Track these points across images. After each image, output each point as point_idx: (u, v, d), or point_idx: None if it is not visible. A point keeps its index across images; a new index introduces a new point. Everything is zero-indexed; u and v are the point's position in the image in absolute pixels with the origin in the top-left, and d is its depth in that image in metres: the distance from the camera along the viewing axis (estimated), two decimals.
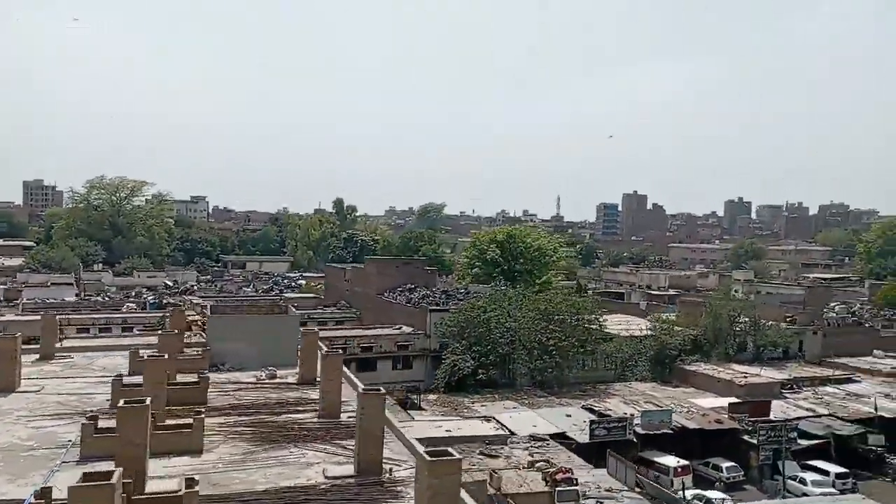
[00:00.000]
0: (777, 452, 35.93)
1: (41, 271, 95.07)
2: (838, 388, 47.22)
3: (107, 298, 66.29)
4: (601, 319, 47.28)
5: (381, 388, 43.59)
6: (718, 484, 35.18)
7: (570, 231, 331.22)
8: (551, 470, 24.44)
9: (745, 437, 36.75)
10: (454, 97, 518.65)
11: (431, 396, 41.22)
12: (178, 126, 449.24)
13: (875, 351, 59.19)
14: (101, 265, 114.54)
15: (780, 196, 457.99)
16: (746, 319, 54.28)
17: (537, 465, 25.16)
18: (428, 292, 54.93)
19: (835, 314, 69.47)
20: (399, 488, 16.42)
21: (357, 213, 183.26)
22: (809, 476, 34.71)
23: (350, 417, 22.92)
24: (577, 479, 24.78)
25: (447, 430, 29.94)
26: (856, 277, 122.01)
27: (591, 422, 34.33)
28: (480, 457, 27.48)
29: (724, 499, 31.69)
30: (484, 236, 72.34)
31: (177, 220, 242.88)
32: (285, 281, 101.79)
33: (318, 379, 24.50)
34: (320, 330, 41.59)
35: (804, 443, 37.35)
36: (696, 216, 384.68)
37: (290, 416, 22.11)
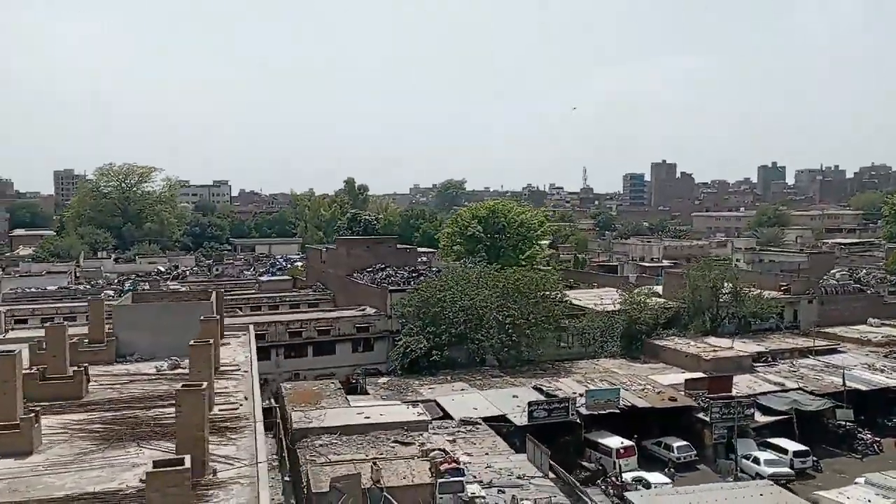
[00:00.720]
0: (734, 430, 34.20)
1: (49, 260, 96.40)
2: (819, 360, 44.91)
3: (89, 286, 66.50)
4: (562, 295, 45.63)
5: (337, 371, 43.23)
6: (670, 464, 33.63)
7: (597, 203, 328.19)
8: (438, 459, 23.21)
9: (701, 416, 34.99)
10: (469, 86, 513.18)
11: (383, 379, 40.21)
12: (213, 115, 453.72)
13: (870, 319, 56.37)
14: (111, 252, 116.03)
15: (821, 160, 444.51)
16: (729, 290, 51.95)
17: (431, 454, 23.95)
18: (396, 271, 53.74)
19: (835, 281, 66.40)
20: (212, 492, 15.39)
21: (369, 193, 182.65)
22: (763, 455, 32.90)
23: (224, 410, 21.99)
24: (465, 469, 23.53)
25: (366, 417, 28.86)
26: (878, 241, 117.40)
27: (530, 403, 32.90)
28: (393, 444, 26.38)
29: (665, 482, 30.18)
30: (466, 212, 70.65)
31: (197, 205, 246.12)
32: (286, 263, 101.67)
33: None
34: (284, 313, 40.81)
35: (762, 419, 35.46)
36: (729, 183, 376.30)
37: (160, 410, 21.22)
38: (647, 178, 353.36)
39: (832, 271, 69.67)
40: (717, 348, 44.18)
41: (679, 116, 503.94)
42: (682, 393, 36.59)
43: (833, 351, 47.32)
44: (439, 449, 24.67)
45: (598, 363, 44.58)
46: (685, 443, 34.18)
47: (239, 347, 31.25)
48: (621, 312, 47.23)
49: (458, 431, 29.50)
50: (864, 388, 39.73)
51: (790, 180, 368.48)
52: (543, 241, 70.67)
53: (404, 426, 27.98)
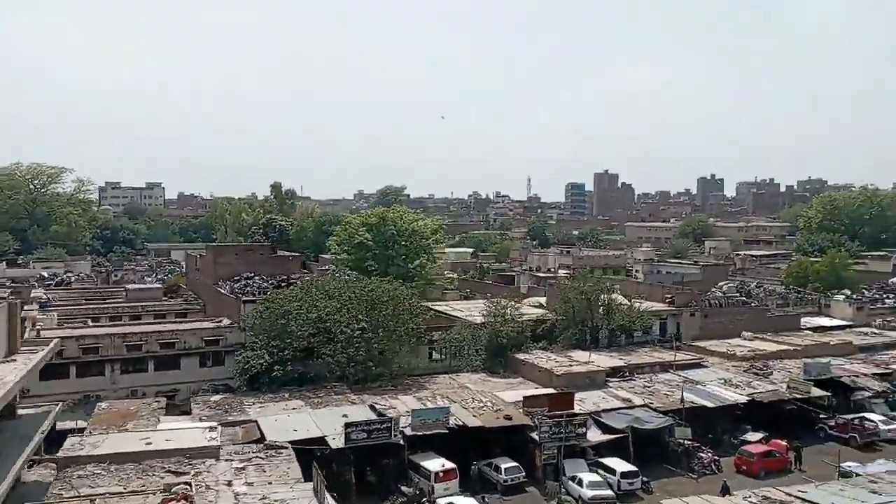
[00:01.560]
0: (567, 450, 33.10)
1: None
2: (678, 375, 44.38)
3: None
4: (422, 307, 44.18)
5: (182, 388, 40.70)
6: (498, 486, 32.30)
7: (539, 211, 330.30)
8: (171, 494, 21.26)
9: (534, 435, 33.78)
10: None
11: (216, 397, 37.89)
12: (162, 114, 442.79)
13: (744, 332, 56.48)
14: (15, 256, 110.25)
15: (768, 173, 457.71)
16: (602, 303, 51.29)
17: (175, 488, 21.97)
18: (265, 280, 51.49)
19: (721, 293, 66.73)
20: None
21: (297, 197, 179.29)
22: (587, 476, 31.84)
23: None
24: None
25: (148, 444, 26.63)
26: (791, 253, 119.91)
27: (347, 424, 31.10)
28: (163, 475, 24.22)
29: None
30: (355, 219, 68.72)
31: (126, 208, 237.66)
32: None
33: None
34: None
35: (598, 437, 34.46)
36: (671, 194, 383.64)
37: None
38: (591, 188, 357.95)
39: (719, 283, 70.16)
40: (575, 363, 43.22)
41: (628, 128, 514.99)
42: (521, 410, 35.34)
43: (697, 365, 47.00)
44: (184, 483, 22.63)
45: (457, 378, 43.15)
46: (514, 464, 32.90)
47: (22, 365, 28.60)
48: (485, 325, 45.96)
49: (256, 457, 27.48)
50: (710, 404, 39.23)
51: (731, 192, 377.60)
52: (438, 250, 69.11)
53: (187, 453, 25.83)
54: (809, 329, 63.33)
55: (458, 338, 46.27)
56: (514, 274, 74.80)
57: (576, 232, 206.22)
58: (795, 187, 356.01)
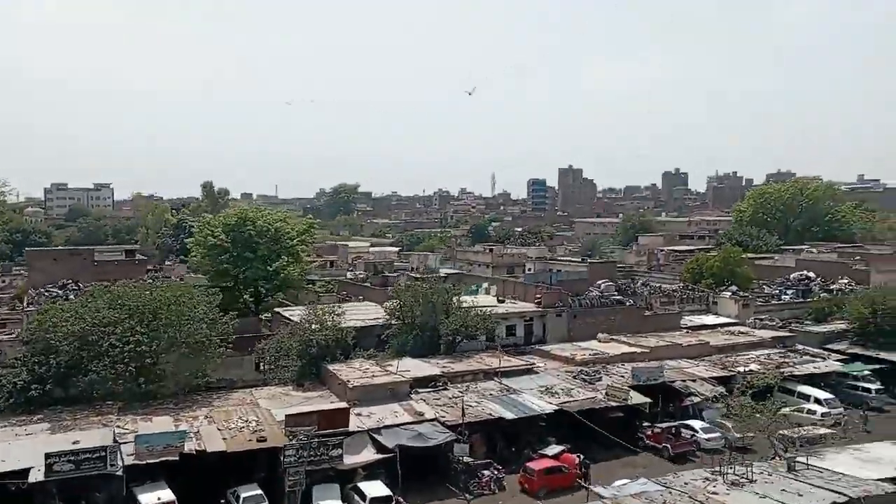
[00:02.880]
0: (317, 474, 30.07)
1: None
2: (500, 383, 41.59)
3: None
4: (221, 315, 40.93)
5: None
6: None
7: (502, 207, 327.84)
8: None
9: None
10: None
11: None
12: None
13: (600, 334, 53.95)
14: None
15: (739, 167, 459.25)
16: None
17: None
18: (80, 287, 47.89)
19: (599, 292, 64.16)
20: None
21: (230, 197, 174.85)
22: None
23: None
24: None
25: None
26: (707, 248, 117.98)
27: (47, 455, 27.71)
28: None
29: None
30: (213, 219, 65.08)
31: (70, 209, 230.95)
32: None
33: None
34: None
35: (359, 459, 31.46)
36: (637, 188, 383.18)
37: None
38: (553, 183, 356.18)
39: (598, 282, 67.65)
40: (383, 373, 40.18)
41: (603, 125, 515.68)
42: (283, 430, 32.20)
43: (527, 371, 44.18)
44: None
45: (257, 392, 39.94)
46: (256, 492, 29.73)
47: None
48: (293, 333, 42.78)
49: None
50: (511, 415, 36.46)
51: (700, 186, 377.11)
52: (305, 252, 65.58)
53: None
54: (689, 328, 61.24)
55: (274, 347, 43.09)
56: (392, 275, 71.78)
57: (518, 229, 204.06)
58: (765, 181, 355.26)
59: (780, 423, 32.45)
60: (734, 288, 70.15)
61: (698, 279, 75.40)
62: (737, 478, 27.35)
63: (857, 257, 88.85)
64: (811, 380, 49.30)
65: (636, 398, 39.94)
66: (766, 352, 52.59)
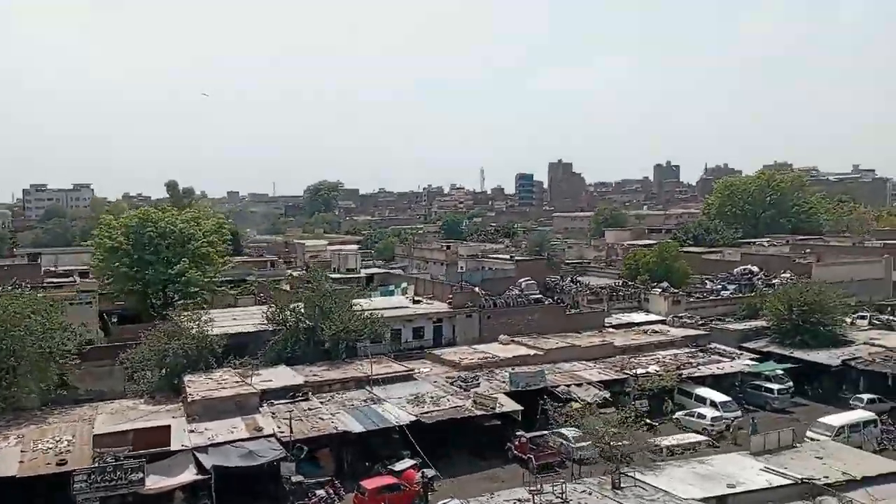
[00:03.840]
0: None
1: None
2: (368, 392, 39.45)
3: None
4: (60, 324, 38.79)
5: None
6: None
7: (490, 203, 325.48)
8: None
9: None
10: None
11: None
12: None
13: (501, 336, 51.80)
14: None
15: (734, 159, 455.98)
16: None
17: None
18: None
19: (519, 290, 61.99)
20: None
21: (196, 196, 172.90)
22: None
23: None
24: None
25: None
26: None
27: None
28: None
29: None
30: (113, 221, 62.86)
31: (48, 210, 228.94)
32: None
33: None
34: None
35: (161, 484, 29.25)
36: (628, 182, 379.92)
37: None
38: (541, 178, 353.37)
39: (520, 280, 65.48)
40: (239, 384, 38.06)
41: (591, 116, 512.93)
42: (94, 451, 30.06)
43: (406, 378, 42.01)
44: None
45: (102, 407, 37.78)
46: None
47: None
48: (145, 342, 40.56)
49: None
50: (360, 428, 34.30)
51: (693, 179, 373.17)
52: (219, 253, 63.30)
53: None
54: (613, 327, 59.17)
55: (137, 357, 40.94)
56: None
57: (493, 224, 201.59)
58: (762, 171, 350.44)
59: (622, 433, 30.12)
60: (664, 284, 67.99)
61: (635, 275, 73.39)
62: (553, 498, 25.23)
63: (808, 250, 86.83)
64: (718, 381, 47.31)
65: (508, 405, 37.80)
66: (676, 351, 50.48)
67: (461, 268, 76.27)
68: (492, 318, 56.31)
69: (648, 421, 41.57)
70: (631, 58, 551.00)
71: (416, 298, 60.05)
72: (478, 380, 41.21)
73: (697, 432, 40.51)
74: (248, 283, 72.46)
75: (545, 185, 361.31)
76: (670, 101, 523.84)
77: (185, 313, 43.49)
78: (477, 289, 62.14)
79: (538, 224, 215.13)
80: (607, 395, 41.23)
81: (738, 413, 42.94)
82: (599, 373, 44.28)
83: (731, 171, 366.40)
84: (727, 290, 71.32)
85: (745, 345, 53.59)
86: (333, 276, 67.04)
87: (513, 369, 44.16)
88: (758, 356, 51.48)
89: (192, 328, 41.30)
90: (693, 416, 41.73)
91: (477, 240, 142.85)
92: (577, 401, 39.84)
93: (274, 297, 46.59)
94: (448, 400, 38.10)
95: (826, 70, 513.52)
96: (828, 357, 48.19)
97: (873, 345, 49.67)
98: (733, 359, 49.43)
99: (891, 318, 57.81)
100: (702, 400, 43.76)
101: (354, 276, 66.75)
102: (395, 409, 36.39)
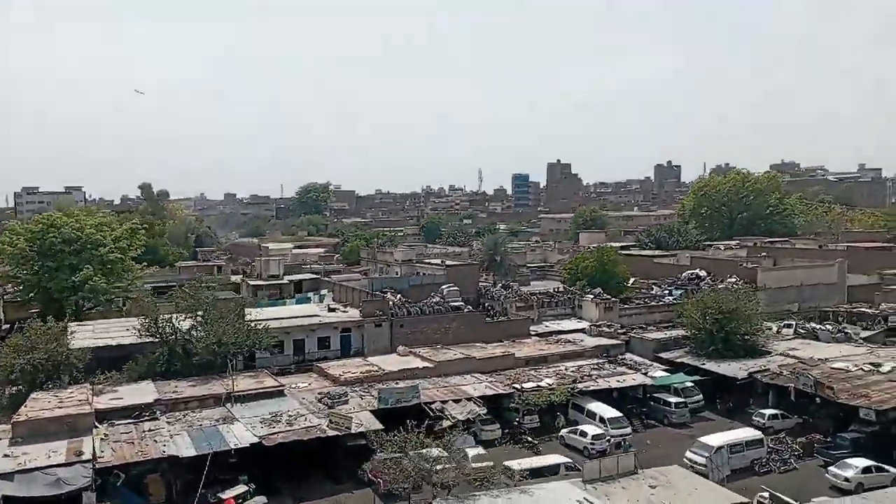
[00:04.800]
0: None
1: None
2: (229, 410, 37.30)
3: None
4: None
5: None
6: None
7: (487, 204, 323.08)
8: None
9: None
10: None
11: None
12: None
13: (400, 347, 49.58)
14: None
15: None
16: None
17: None
18: None
19: (441, 297, 59.68)
20: None
21: (168, 199, 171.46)
22: None
23: None
24: None
25: None
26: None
27: None
28: None
29: None
30: (18, 226, 61.12)
31: (37, 212, 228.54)
32: None
33: None
34: None
35: None
36: (629, 182, 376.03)
37: None
38: (537, 178, 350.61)
39: (442, 286, 63.16)
40: (79, 403, 35.96)
41: (597, 117, 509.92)
42: None
43: (276, 394, 39.80)
44: None
45: None
46: None
47: None
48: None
49: None
50: (192, 452, 32.12)
51: (694, 179, 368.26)
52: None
53: None
54: (538, 335, 56.95)
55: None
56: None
57: (468, 222, 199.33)
58: (769, 171, 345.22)
59: (414, 459, 27.73)
60: (597, 290, 65.57)
61: (574, 281, 71.03)
62: None
63: (764, 253, 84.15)
64: (624, 394, 45.05)
65: (368, 424, 35.57)
66: (583, 363, 48.15)
67: (396, 273, 74.13)
68: (405, 327, 54.23)
69: (529, 439, 39.54)
70: (638, 58, 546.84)
71: (333, 307, 58.03)
72: (347, 396, 38.98)
73: (579, 451, 38.30)
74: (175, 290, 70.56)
75: (543, 186, 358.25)
76: (677, 100, 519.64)
77: (40, 325, 41.38)
78: (399, 296, 60.31)
79: (532, 225, 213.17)
80: (483, 411, 38.98)
81: (628, 430, 40.62)
82: (486, 387, 41.99)
83: (733, 170, 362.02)
84: (672, 295, 68.88)
85: (661, 355, 51.23)
86: (255, 282, 65.24)
87: (396, 383, 42.06)
88: (669, 367, 49.14)
89: (45, 342, 39.18)
90: (576, 433, 39.39)
91: (453, 243, 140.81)
92: (447, 418, 37.63)
93: (145, 308, 44.45)
94: (306, 419, 35.93)
95: (835, 68, 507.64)
96: (736, 369, 45.72)
97: (789, 356, 47.09)
98: (637, 371, 47.00)
99: (819, 326, 55.07)
100: (592, 416, 41.43)
101: (277, 282, 64.72)
102: (241, 431, 34.28)
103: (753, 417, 42.43)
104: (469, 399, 39.76)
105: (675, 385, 46.61)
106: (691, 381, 47.07)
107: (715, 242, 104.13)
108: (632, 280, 76.53)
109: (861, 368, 42.14)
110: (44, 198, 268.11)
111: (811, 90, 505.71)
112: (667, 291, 70.18)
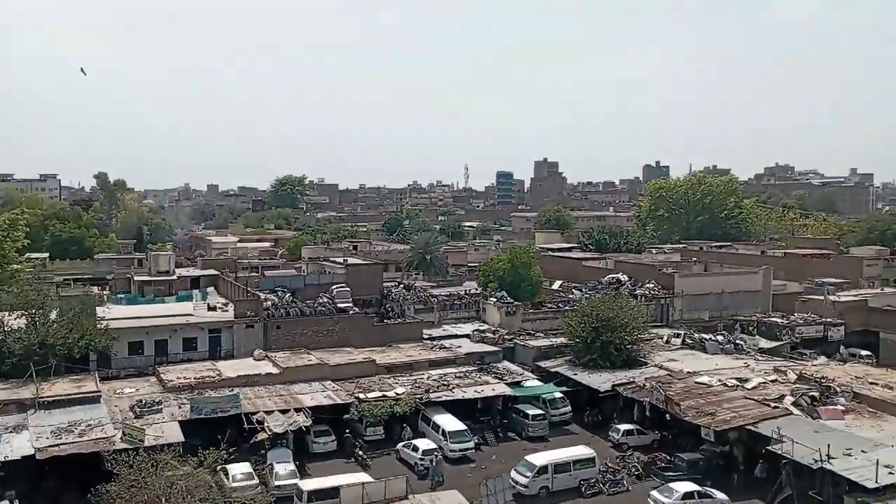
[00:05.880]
0: None
1: None
2: (26, 419, 34.72)
3: None
4: None
5: None
6: None
7: (470, 201, 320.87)
8: None
9: None
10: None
11: None
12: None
13: (257, 351, 46.90)
14: None
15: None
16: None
17: None
18: None
19: (328, 297, 57.13)
20: None
21: (125, 188, 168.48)
22: None
23: None
24: None
25: None
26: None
27: None
28: None
29: None
30: None
31: (4, 201, 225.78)
32: None
33: None
34: None
35: None
36: (625, 181, 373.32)
37: None
38: (521, 176, 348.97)
39: (333, 286, 60.63)
40: None
41: (590, 119, 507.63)
42: None
43: (90, 401, 37.04)
44: None
45: None
46: None
47: None
48: None
49: None
50: None
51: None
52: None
53: None
54: (430, 338, 54.48)
55: None
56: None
57: (443, 219, 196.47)
58: (762, 174, 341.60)
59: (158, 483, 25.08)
60: (501, 294, 63.08)
61: (487, 283, 68.58)
62: None
63: (695, 259, 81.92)
64: (487, 405, 42.75)
65: (169, 437, 33.05)
66: (452, 370, 45.72)
67: (302, 270, 71.49)
68: (282, 329, 51.75)
69: (361, 454, 37.10)
70: (628, 58, 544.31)
71: (214, 305, 55.45)
72: (161, 405, 36.40)
73: (411, 466, 35.88)
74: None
75: (528, 184, 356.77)
76: (668, 101, 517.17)
77: None
78: (289, 295, 57.89)
79: (503, 224, 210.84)
80: (307, 422, 36.47)
81: (470, 444, 38.20)
82: (325, 397, 39.46)
83: (721, 172, 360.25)
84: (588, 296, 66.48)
85: (539, 363, 48.86)
86: (141, 278, 62.65)
87: (231, 390, 39.42)
88: (545, 377, 46.80)
89: None
90: (409, 447, 36.93)
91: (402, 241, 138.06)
92: (265, 430, 35.16)
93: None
94: (102, 430, 33.40)
95: (832, 72, 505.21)
96: (603, 381, 43.30)
97: (663, 368, 44.67)
98: (502, 380, 44.46)
99: (709, 337, 52.70)
100: (437, 428, 38.98)
101: (166, 278, 62.06)
102: (22, 441, 31.75)
103: (609, 433, 40.08)
104: (299, 410, 37.22)
105: (544, 396, 44.28)
106: (560, 392, 44.75)
107: (661, 246, 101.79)
108: (558, 283, 74.41)
109: (725, 384, 39.71)
110: (18, 185, 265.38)
111: (810, 92, 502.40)
112: (587, 296, 67.70)
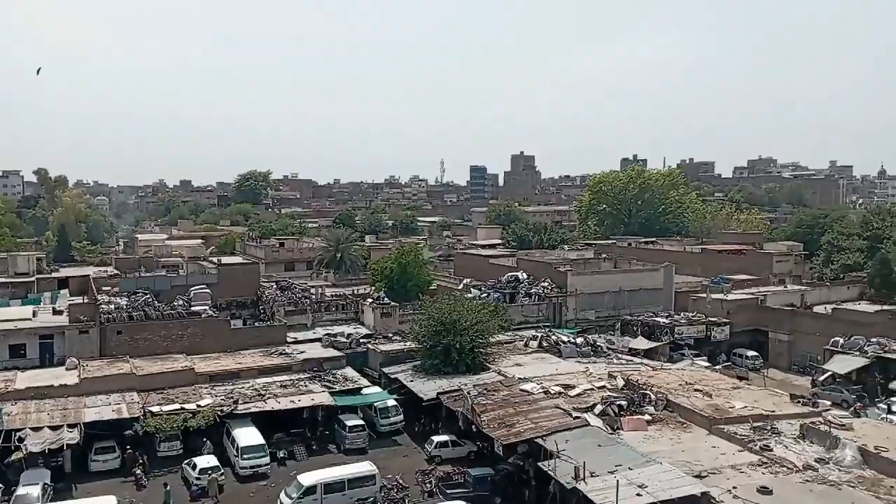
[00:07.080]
0: None
1: None
2: None
3: None
4: None
5: None
6: None
7: (444, 196, 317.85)
8: None
9: None
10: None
11: None
12: None
13: (68, 360, 43.91)
14: None
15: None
16: None
17: None
18: None
19: (185, 300, 54.25)
20: None
21: (65, 185, 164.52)
22: None
23: None
24: None
25: None
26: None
27: None
28: None
29: None
30: None
31: None
32: None
33: None
34: None
35: None
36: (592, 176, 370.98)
37: None
38: (500, 171, 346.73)
39: (192, 288, 57.62)
40: None
41: (570, 113, 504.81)
42: None
43: None
44: None
45: None
46: None
47: None
48: None
49: None
50: None
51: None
52: None
53: None
54: (297, 342, 51.80)
55: None
56: None
57: (409, 212, 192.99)
58: (745, 166, 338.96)
59: None
60: (378, 294, 60.44)
61: (375, 282, 65.99)
62: None
63: (604, 255, 79.64)
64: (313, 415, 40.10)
65: None
66: (284, 378, 42.96)
67: (181, 272, 68.43)
68: (124, 334, 48.80)
69: (138, 473, 34.37)
70: (614, 49, 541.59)
71: (61, 309, 52.53)
72: None
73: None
74: None
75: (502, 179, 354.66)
76: (652, 94, 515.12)
77: None
78: (149, 297, 55.04)
79: (468, 219, 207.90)
80: (76, 439, 33.68)
81: (265, 461, 35.46)
82: (112, 411, 36.64)
83: (699, 165, 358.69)
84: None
85: (385, 369, 46.23)
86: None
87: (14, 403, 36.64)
88: (386, 383, 44.26)
89: None
90: (190, 465, 34.24)
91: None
92: (21, 450, 32.39)
93: None
94: None
95: (815, 65, 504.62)
96: (435, 388, 40.72)
97: (501, 373, 42.12)
98: (331, 388, 41.78)
99: (568, 340, 50.19)
100: (234, 442, 36.28)
101: (23, 279, 59.06)
102: None
103: (425, 444, 37.56)
104: (73, 426, 34.42)
105: (377, 404, 41.68)
106: (394, 400, 42.17)
107: (594, 242, 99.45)
108: (465, 282, 71.93)
109: (548, 391, 37.21)
110: None
111: (792, 83, 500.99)
112: (485, 294, 65.12)
